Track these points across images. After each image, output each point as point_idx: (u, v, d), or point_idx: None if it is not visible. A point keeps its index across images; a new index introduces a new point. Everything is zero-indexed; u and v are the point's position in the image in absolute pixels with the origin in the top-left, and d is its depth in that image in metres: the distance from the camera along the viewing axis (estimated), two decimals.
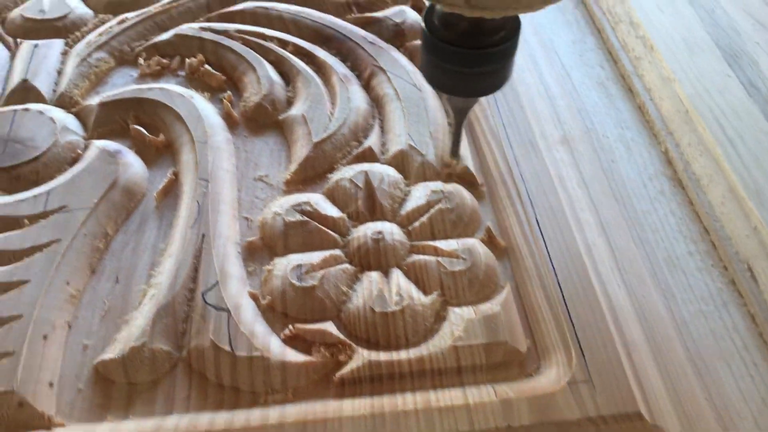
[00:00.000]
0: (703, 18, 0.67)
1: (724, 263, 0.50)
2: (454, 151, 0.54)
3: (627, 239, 0.52)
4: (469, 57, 0.42)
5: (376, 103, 0.61)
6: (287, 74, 0.62)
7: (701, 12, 0.68)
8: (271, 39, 0.65)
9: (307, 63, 0.63)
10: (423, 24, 0.42)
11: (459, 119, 0.51)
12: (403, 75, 0.61)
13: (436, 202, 0.52)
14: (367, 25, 0.67)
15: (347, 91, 0.60)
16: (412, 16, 0.68)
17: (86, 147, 0.56)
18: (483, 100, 0.61)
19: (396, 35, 0.66)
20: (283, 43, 0.64)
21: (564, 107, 0.62)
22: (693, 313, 0.47)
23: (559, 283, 0.48)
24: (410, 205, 0.52)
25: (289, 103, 0.60)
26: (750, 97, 0.58)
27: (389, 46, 0.65)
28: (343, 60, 0.64)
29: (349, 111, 0.58)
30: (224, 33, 0.65)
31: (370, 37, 0.65)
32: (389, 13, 0.68)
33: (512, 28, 0.42)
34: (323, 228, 0.50)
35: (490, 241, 0.51)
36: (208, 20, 0.67)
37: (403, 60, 0.63)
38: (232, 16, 0.67)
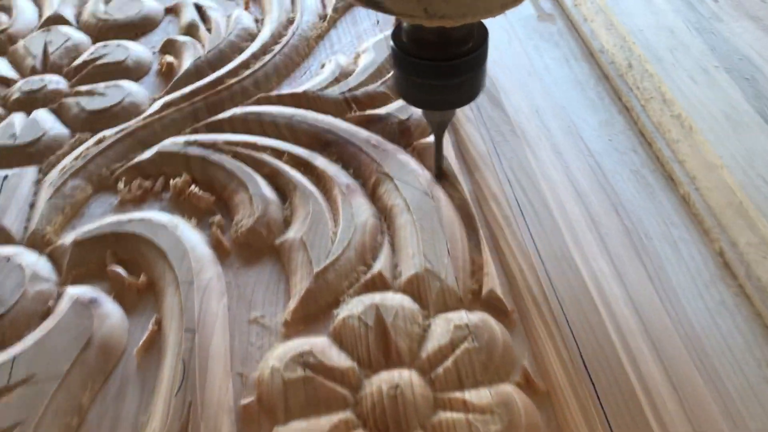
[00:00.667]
0: (744, 88, 0.60)
1: None
2: (438, 169, 0.55)
3: (689, 368, 0.44)
4: (439, 69, 0.43)
5: (384, 215, 0.54)
6: (283, 188, 0.56)
7: (740, 81, 0.60)
8: (265, 149, 0.58)
9: (304, 173, 0.57)
10: (391, 42, 0.43)
11: (438, 134, 0.52)
12: (412, 181, 0.54)
13: (462, 341, 0.44)
14: (369, 124, 0.61)
15: (351, 205, 0.53)
16: (417, 111, 0.61)
17: (59, 296, 0.49)
18: (503, 200, 0.54)
19: (402, 134, 0.60)
20: (278, 153, 0.58)
21: (597, 204, 0.54)
22: None
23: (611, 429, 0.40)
24: (431, 345, 0.44)
25: (287, 223, 0.54)
26: None
27: (395, 147, 0.58)
28: (345, 167, 0.58)
29: (354, 229, 0.51)
30: (212, 146, 0.59)
31: (374, 138, 0.59)
32: (392, 108, 0.62)
33: (480, 37, 0.43)
34: (330, 384, 0.42)
35: (527, 384, 0.43)
36: (195, 131, 0.61)
37: (412, 163, 0.57)
38: (220, 124, 0.61)
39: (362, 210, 0.53)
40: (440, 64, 0.42)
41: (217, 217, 0.54)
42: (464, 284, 0.48)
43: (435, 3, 0.36)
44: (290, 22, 0.73)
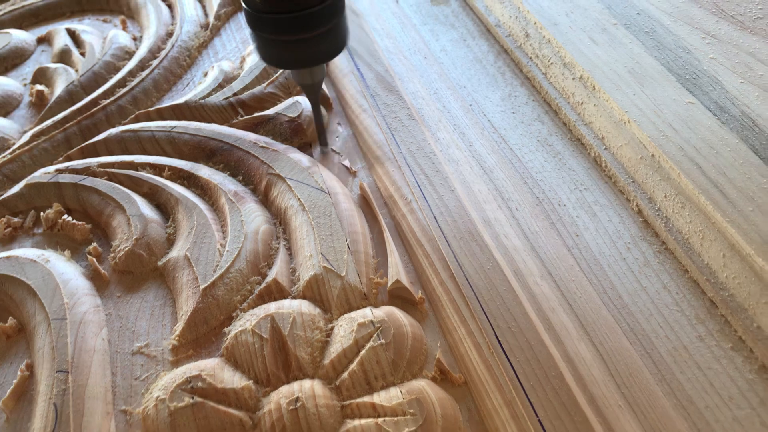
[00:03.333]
0: (644, 41, 0.58)
1: (748, 344, 0.39)
2: (321, 136, 0.54)
3: (617, 337, 0.41)
4: (294, 22, 0.41)
5: (279, 219, 0.50)
6: (165, 205, 0.52)
7: (641, 35, 0.58)
8: (143, 166, 0.54)
9: (188, 186, 0.53)
10: (243, 3, 0.41)
11: (312, 97, 0.50)
12: (305, 179, 0.51)
13: (367, 340, 0.40)
14: (257, 126, 0.57)
15: (240, 212, 0.49)
16: (307, 104, 0.58)
17: None
18: (404, 185, 0.50)
19: (294, 132, 0.56)
20: (158, 169, 0.54)
21: (505, 180, 0.51)
22: (723, 420, 0.36)
23: (539, 420, 0.36)
24: (335, 349, 0.40)
25: (170, 241, 0.49)
26: (723, 124, 0.48)
27: (287, 147, 0.54)
28: (233, 174, 0.54)
29: (244, 238, 0.47)
30: (86, 171, 0.54)
31: (262, 140, 0.55)
32: (281, 108, 0.58)
33: None
34: (223, 408, 0.38)
35: (443, 377, 0.40)
36: (68, 159, 0.56)
37: (305, 160, 0.53)
38: (95, 148, 0.57)
39: (253, 216, 0.49)
40: (294, 16, 0.40)
41: (92, 245, 0.49)
42: (368, 279, 0.45)
43: None
44: (170, 35, 0.69)
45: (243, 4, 0.42)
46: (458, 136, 0.55)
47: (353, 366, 0.39)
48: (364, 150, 0.55)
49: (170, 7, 0.74)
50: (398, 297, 0.44)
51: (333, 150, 0.56)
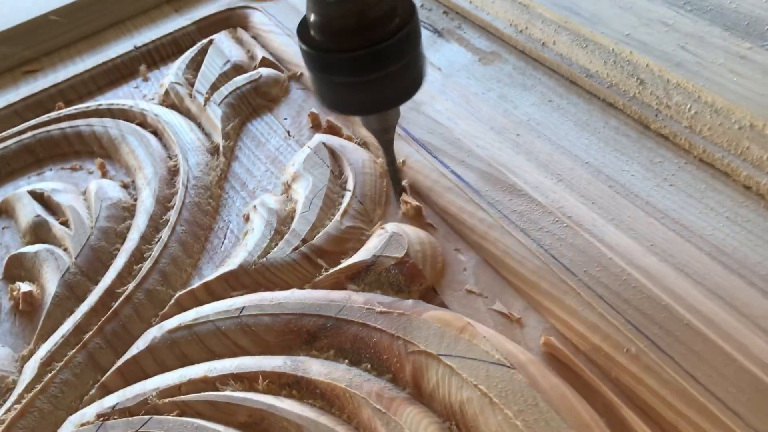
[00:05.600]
0: None
1: None
2: (396, 184, 0.47)
3: None
4: (365, 60, 0.35)
5: (456, 421, 0.35)
6: None
7: None
8: (224, 381, 0.38)
9: (302, 398, 0.37)
10: (300, 43, 0.36)
11: (385, 143, 0.43)
12: (470, 352, 0.36)
13: None
14: (354, 280, 0.43)
15: (401, 429, 0.34)
16: (411, 234, 0.44)
17: None
18: (609, 329, 0.36)
19: (410, 278, 0.42)
20: (248, 380, 0.38)
21: (734, 292, 0.38)
22: None
23: None
24: None
25: None
26: None
27: (415, 302, 0.40)
28: (354, 362, 0.39)
29: None
30: (142, 408, 0.38)
31: (376, 300, 0.40)
32: (377, 247, 0.44)
33: (405, 12, 0.36)
34: None
35: None
36: (104, 390, 0.40)
37: (452, 318, 0.38)
38: (138, 364, 0.41)
39: (421, 427, 0.34)
40: (364, 53, 0.34)
41: None
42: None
43: None
44: (173, 173, 0.54)
45: (301, 44, 0.36)
46: (629, 236, 0.42)
47: None
48: (515, 283, 0.41)
49: (156, 134, 0.58)
50: None
51: (471, 291, 0.42)
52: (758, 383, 0.33)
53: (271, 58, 0.64)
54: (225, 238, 0.49)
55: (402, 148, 0.51)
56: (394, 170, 0.45)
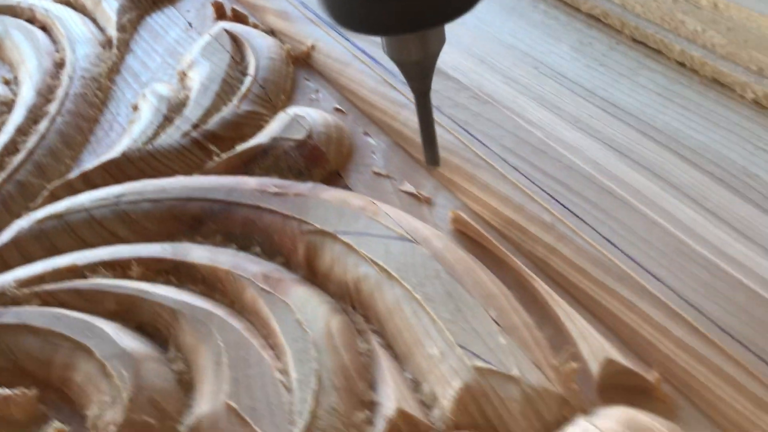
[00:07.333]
0: None
1: None
2: (429, 154, 0.34)
3: None
4: None
5: (349, 301, 0.32)
6: (151, 325, 0.32)
7: None
8: (94, 269, 0.34)
9: (180, 285, 0.34)
10: None
11: (420, 87, 0.31)
12: (370, 228, 0.33)
13: None
14: (248, 166, 0.38)
15: (288, 307, 0.31)
16: (316, 117, 0.40)
17: None
18: (526, 202, 0.33)
19: (311, 161, 0.38)
20: (121, 267, 0.34)
21: (657, 161, 0.35)
22: None
23: None
24: None
25: (186, 384, 0.30)
26: None
27: (313, 185, 0.36)
28: (243, 246, 0.35)
29: (315, 350, 0.29)
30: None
31: (271, 183, 0.36)
32: (277, 130, 0.40)
33: None
34: None
35: None
36: None
37: (353, 198, 0.35)
38: (2, 258, 0.36)
39: (312, 308, 0.31)
40: None
41: (54, 427, 0.29)
42: (553, 369, 0.27)
43: None
44: (60, 65, 0.49)
45: None
46: (553, 113, 0.39)
47: None
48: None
49: (45, 29, 0.53)
50: (615, 387, 0.27)
51: (378, 173, 0.38)
52: (681, 246, 0.30)
53: None
54: (111, 130, 0.44)
55: (312, 31, 0.47)
56: (432, 131, 0.34)
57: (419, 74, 0.31)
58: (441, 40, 0.30)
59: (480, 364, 0.27)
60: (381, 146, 0.40)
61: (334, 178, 0.38)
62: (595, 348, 0.28)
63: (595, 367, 0.27)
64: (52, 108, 0.45)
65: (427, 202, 0.36)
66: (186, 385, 0.30)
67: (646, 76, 0.41)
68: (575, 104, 0.39)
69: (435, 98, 0.38)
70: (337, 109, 0.42)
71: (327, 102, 0.43)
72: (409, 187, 0.37)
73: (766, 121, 0.37)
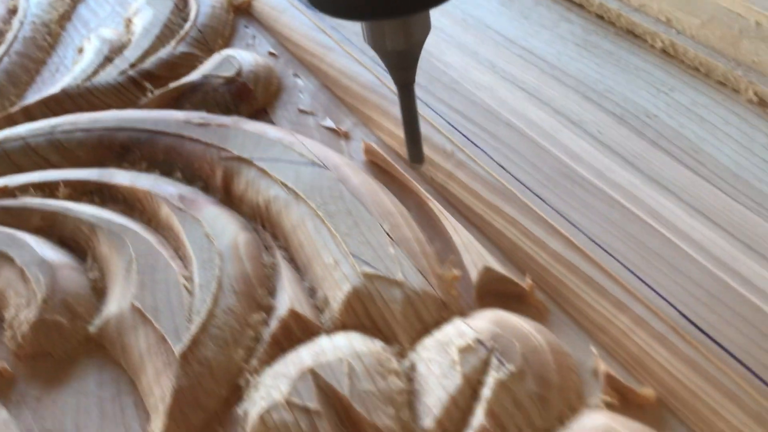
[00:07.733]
0: None
1: None
2: (413, 151, 0.33)
3: None
4: None
5: (260, 220, 0.34)
6: (73, 240, 0.34)
7: None
8: (23, 189, 0.36)
9: (103, 204, 0.35)
10: None
11: (403, 77, 0.30)
12: (284, 155, 0.35)
13: (482, 372, 0.25)
14: (179, 102, 0.40)
15: (199, 223, 0.33)
16: (247, 57, 0.42)
17: None
18: (433, 134, 0.35)
19: (238, 97, 0.40)
20: (48, 188, 0.36)
21: (561, 100, 0.37)
22: None
23: None
24: (434, 400, 0.25)
25: (100, 291, 0.32)
26: None
27: (236, 118, 0.38)
28: (166, 172, 0.37)
29: (219, 260, 0.31)
30: None
31: (196, 116, 0.38)
32: (209, 69, 0.41)
33: None
34: None
35: (623, 399, 0.25)
36: None
37: (270, 129, 0.37)
38: None
39: (221, 225, 0.33)
40: None
41: None
42: (436, 276, 0.29)
43: None
44: (13, 11, 0.51)
45: None
46: (470, 57, 0.41)
47: (479, 420, 0.24)
48: (348, 101, 0.39)
49: None
50: (492, 293, 0.29)
51: (303, 110, 0.40)
52: (567, 170, 0.33)
53: None
54: (57, 72, 0.46)
55: None
56: (416, 127, 0.33)
57: (402, 65, 0.30)
58: (426, 28, 0.28)
59: (368, 270, 0.29)
60: (309, 87, 0.42)
61: (261, 114, 0.40)
62: (476, 258, 0.30)
63: (474, 275, 0.29)
64: (1, 49, 0.47)
65: (345, 136, 0.38)
66: (99, 291, 0.32)
67: (566, 28, 0.43)
68: (495, 51, 0.41)
69: (360, 41, 0.40)
70: (271, 53, 0.44)
71: (262, 47, 0.45)
72: (329, 123, 0.39)
73: (671, 67, 0.39)
